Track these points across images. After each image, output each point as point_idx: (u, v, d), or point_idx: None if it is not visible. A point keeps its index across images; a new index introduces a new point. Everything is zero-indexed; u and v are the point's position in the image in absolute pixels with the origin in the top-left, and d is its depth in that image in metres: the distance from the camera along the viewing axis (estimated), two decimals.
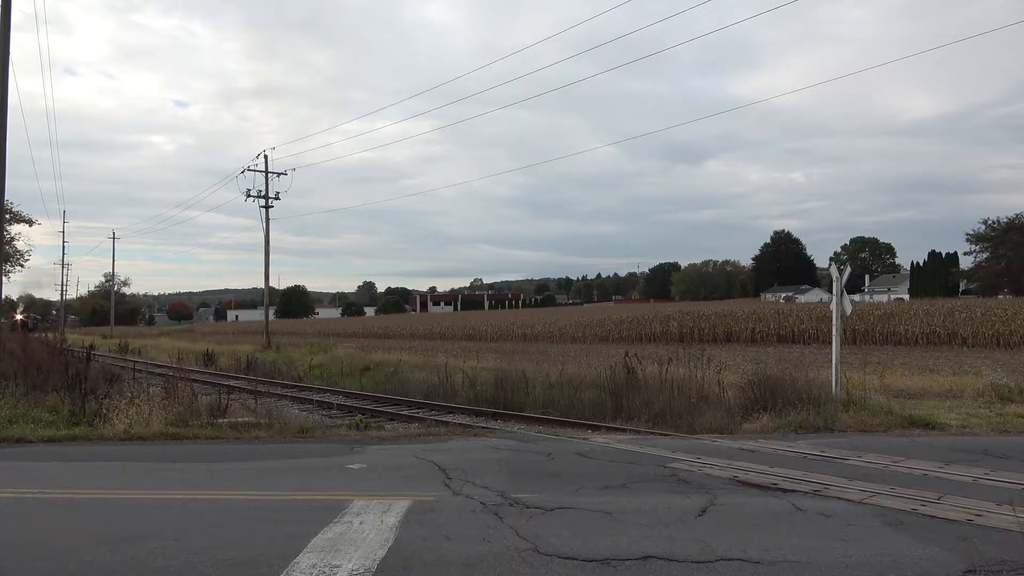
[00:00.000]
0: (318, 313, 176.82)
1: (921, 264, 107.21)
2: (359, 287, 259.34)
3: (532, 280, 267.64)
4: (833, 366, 14.16)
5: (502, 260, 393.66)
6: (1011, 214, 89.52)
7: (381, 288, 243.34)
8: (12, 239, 55.30)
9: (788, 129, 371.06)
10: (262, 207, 48.12)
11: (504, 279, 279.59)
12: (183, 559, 5.39)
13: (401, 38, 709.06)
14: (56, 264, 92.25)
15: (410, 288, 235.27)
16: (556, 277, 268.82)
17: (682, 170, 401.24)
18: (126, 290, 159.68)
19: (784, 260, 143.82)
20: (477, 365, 23.87)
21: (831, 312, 14.50)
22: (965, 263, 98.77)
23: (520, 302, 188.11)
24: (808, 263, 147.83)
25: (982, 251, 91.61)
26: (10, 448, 10.82)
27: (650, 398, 14.23)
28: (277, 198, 48.69)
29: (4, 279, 28.19)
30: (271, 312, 60.93)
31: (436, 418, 15.38)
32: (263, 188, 48.24)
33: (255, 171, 48.18)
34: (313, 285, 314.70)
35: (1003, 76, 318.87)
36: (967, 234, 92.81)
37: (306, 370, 29.03)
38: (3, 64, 19.40)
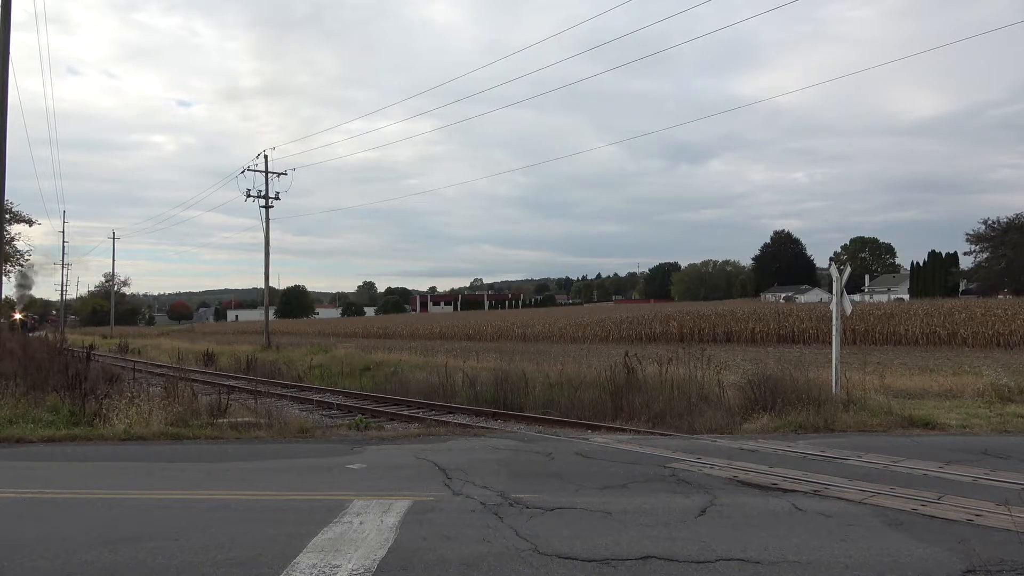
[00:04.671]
0: (318, 313, 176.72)
1: (921, 264, 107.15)
2: (359, 287, 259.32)
3: (532, 280, 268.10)
4: (833, 366, 14.17)
5: (502, 260, 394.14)
6: (1011, 214, 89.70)
7: (381, 288, 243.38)
8: (12, 239, 55.30)
9: (791, 129, 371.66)
10: (262, 207, 48.17)
11: (504, 279, 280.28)
12: (183, 559, 5.38)
13: (404, 37, 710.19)
14: (55, 264, 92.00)
15: (410, 288, 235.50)
16: (556, 277, 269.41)
17: (684, 170, 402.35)
18: (126, 290, 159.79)
19: (784, 260, 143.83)
20: (477, 365, 23.87)
21: (831, 312, 14.50)
22: (965, 263, 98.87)
23: (520, 302, 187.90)
24: (808, 263, 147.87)
25: (982, 251, 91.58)
26: (10, 448, 10.82)
27: (650, 398, 14.23)
28: (277, 198, 48.71)
29: (4, 279, 28.20)
30: (271, 312, 60.90)
31: (436, 418, 15.37)
32: (263, 188, 48.33)
33: (255, 171, 48.24)
34: (313, 285, 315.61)
35: (1006, 76, 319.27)
36: (967, 234, 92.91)
37: (306, 370, 29.03)
38: (3, 64, 19.39)
